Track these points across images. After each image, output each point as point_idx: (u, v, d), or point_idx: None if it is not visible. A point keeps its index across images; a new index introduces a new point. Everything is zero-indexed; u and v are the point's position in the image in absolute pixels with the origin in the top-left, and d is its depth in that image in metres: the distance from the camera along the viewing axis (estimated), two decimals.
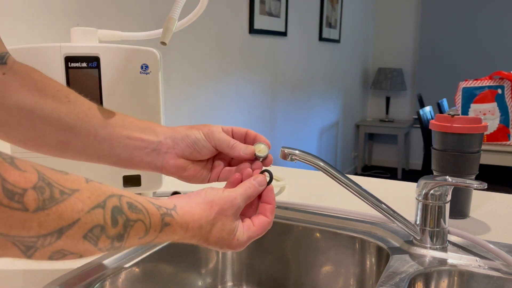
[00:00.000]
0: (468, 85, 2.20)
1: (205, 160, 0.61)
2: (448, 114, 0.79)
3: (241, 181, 0.55)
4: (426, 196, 0.69)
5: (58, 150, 0.58)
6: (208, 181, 0.61)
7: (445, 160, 0.79)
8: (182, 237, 0.46)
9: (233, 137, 0.60)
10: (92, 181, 0.39)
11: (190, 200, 0.48)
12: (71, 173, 0.38)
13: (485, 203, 0.92)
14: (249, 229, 0.52)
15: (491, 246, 0.67)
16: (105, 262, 0.65)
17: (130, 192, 0.42)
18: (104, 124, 0.58)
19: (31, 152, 0.58)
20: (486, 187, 0.64)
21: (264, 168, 0.57)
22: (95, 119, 0.57)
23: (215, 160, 0.61)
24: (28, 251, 0.33)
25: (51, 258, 0.35)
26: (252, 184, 0.53)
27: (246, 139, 0.61)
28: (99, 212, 0.37)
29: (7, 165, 0.31)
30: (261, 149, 0.58)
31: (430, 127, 0.82)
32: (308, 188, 1.01)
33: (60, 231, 0.34)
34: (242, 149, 0.58)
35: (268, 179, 0.55)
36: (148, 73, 0.80)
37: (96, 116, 0.58)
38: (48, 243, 0.34)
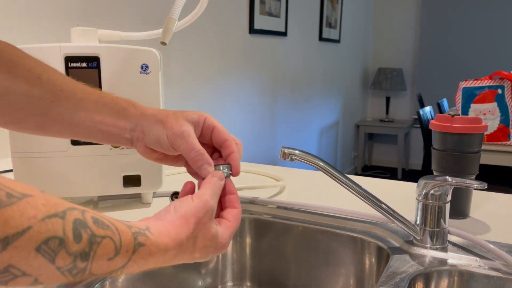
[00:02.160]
0: (468, 85, 2.20)
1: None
2: (448, 114, 0.79)
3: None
4: (426, 196, 0.69)
5: (39, 132, 0.57)
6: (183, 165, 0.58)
7: (445, 160, 0.79)
8: (162, 259, 0.41)
9: (211, 138, 0.57)
10: (50, 195, 0.33)
11: (162, 219, 0.44)
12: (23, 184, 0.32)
13: (485, 203, 0.92)
14: (227, 226, 0.49)
15: (491, 246, 0.67)
16: None
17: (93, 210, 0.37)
18: (77, 107, 0.55)
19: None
20: (486, 187, 0.64)
21: (217, 164, 0.55)
22: (68, 101, 0.54)
23: None
24: None
25: None
26: (214, 181, 0.50)
27: (222, 148, 0.56)
28: (56, 222, 0.32)
29: None
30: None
31: (430, 127, 0.82)
32: (308, 188, 1.01)
33: (5, 240, 0.29)
34: (201, 170, 0.53)
35: (225, 172, 0.54)
36: (148, 73, 0.80)
37: (70, 97, 0.55)
38: None
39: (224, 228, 0.48)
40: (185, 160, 0.55)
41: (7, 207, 0.29)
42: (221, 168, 0.53)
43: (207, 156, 0.53)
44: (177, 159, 0.58)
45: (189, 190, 0.53)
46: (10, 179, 0.31)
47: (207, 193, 0.47)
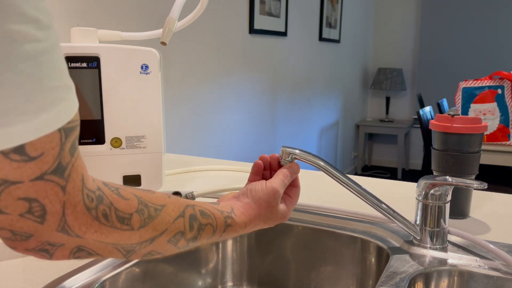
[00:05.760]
0: (468, 85, 2.20)
1: None
2: (448, 114, 0.79)
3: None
4: (426, 196, 0.69)
5: None
6: None
7: (445, 160, 0.79)
8: (241, 232, 0.56)
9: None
10: (171, 196, 0.48)
11: (241, 201, 0.58)
12: (155, 191, 0.46)
13: (485, 203, 0.92)
14: (291, 203, 0.62)
15: (491, 246, 0.67)
16: (105, 262, 0.65)
17: (199, 201, 0.52)
18: None
19: None
20: (486, 187, 0.64)
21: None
22: None
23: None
24: (127, 254, 0.43)
25: (143, 257, 0.45)
26: (287, 172, 0.61)
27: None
28: (180, 221, 0.46)
29: (116, 196, 0.40)
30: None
31: (430, 127, 0.82)
32: (308, 188, 1.01)
33: (152, 239, 0.43)
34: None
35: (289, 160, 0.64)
36: (148, 73, 0.80)
37: None
38: (143, 247, 0.43)
39: (288, 205, 0.61)
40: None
41: (155, 218, 0.43)
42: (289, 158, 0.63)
43: None
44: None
45: (265, 162, 0.64)
46: (150, 193, 0.45)
47: (278, 183, 0.59)
